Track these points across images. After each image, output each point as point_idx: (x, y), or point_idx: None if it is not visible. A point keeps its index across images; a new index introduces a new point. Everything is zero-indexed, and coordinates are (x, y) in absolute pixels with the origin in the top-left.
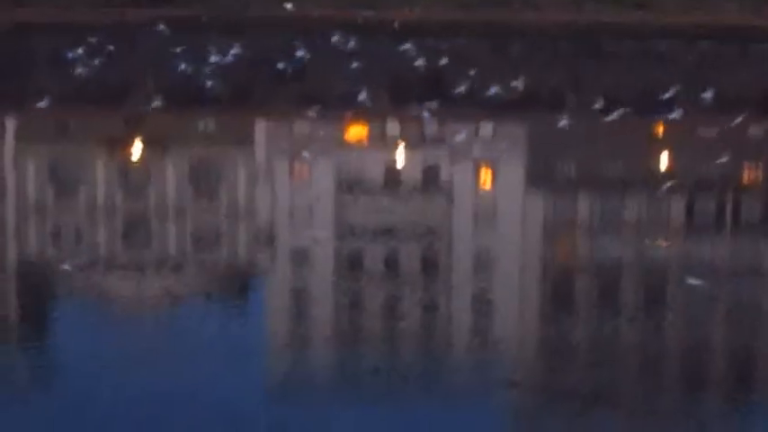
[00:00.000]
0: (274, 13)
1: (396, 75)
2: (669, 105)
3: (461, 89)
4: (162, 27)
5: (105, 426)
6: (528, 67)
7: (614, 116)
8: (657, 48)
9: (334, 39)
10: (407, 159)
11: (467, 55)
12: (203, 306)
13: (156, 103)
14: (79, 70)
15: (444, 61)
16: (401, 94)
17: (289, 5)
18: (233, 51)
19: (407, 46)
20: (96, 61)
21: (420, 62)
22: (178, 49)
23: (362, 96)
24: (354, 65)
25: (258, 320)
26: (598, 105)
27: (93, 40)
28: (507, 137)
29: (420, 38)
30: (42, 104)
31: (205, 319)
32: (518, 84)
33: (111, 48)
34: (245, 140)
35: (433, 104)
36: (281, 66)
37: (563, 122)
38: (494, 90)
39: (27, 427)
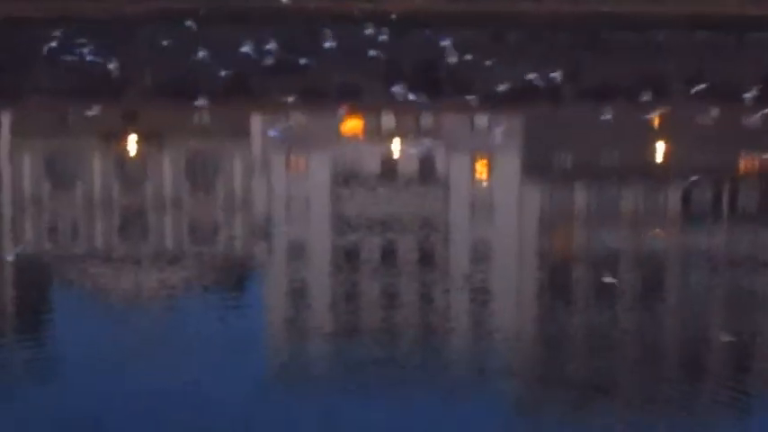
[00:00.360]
0: (270, 4)
1: (426, 67)
2: (709, 100)
3: (504, 84)
4: (190, 23)
5: (103, 418)
6: (547, 57)
7: (655, 111)
8: (678, 39)
9: (367, 31)
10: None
11: (483, 46)
12: (200, 298)
13: (200, 101)
14: (76, 63)
15: (468, 54)
16: (435, 88)
17: None
18: (267, 46)
19: (420, 37)
20: (96, 55)
21: (435, 54)
22: (201, 46)
23: (397, 88)
24: (373, 55)
25: (256, 312)
26: (646, 98)
27: (90, 33)
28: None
29: (422, 29)
30: (92, 113)
31: (202, 311)
32: (556, 75)
33: (111, 41)
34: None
35: (474, 98)
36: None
37: (606, 116)
38: (534, 76)
39: (24, 419)
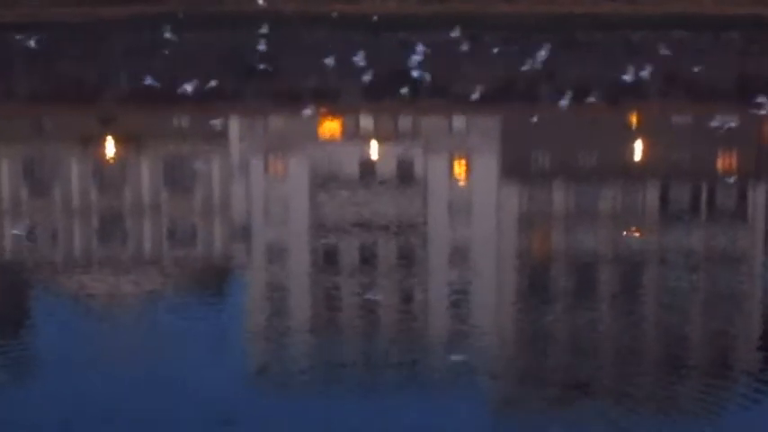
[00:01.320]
0: (246, 8)
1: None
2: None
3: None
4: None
5: (78, 419)
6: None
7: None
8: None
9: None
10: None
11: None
12: (180, 303)
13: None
14: (52, 67)
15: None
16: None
17: (260, 0)
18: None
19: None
20: (75, 58)
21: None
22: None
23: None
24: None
25: (236, 316)
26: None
27: (66, 37)
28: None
29: (417, 31)
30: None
31: (182, 315)
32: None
33: (92, 45)
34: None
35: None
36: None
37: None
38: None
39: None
